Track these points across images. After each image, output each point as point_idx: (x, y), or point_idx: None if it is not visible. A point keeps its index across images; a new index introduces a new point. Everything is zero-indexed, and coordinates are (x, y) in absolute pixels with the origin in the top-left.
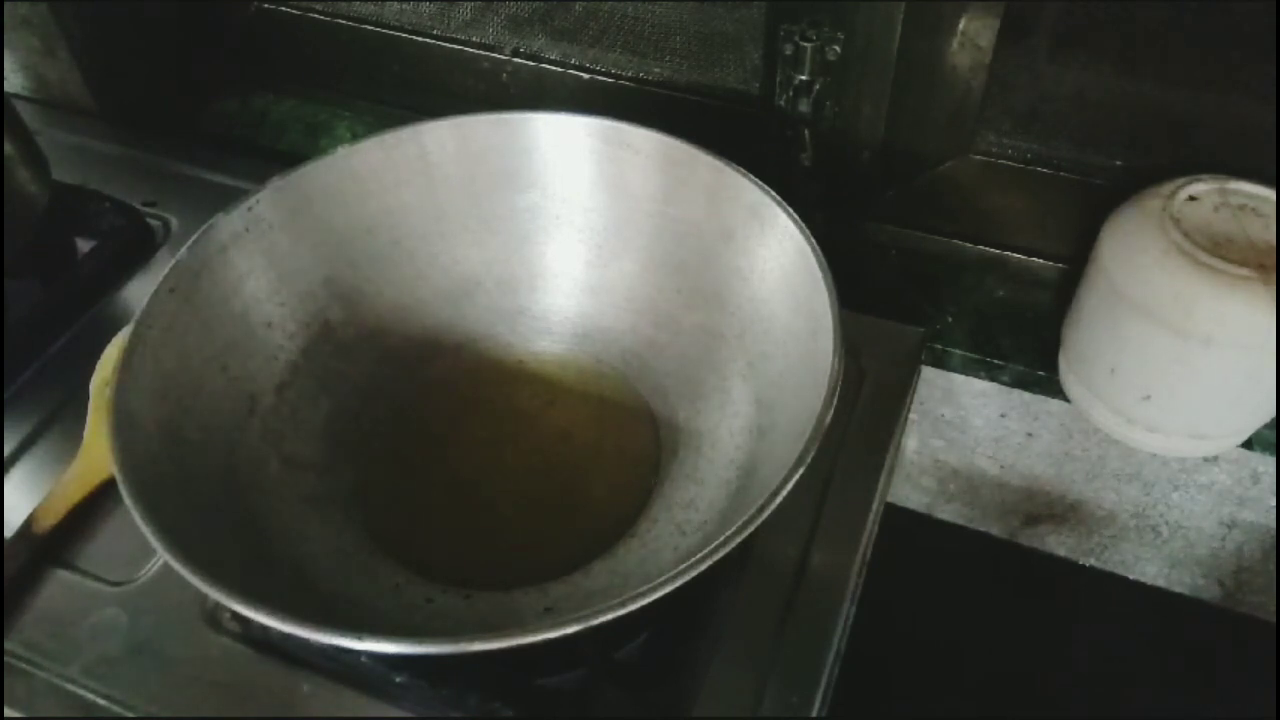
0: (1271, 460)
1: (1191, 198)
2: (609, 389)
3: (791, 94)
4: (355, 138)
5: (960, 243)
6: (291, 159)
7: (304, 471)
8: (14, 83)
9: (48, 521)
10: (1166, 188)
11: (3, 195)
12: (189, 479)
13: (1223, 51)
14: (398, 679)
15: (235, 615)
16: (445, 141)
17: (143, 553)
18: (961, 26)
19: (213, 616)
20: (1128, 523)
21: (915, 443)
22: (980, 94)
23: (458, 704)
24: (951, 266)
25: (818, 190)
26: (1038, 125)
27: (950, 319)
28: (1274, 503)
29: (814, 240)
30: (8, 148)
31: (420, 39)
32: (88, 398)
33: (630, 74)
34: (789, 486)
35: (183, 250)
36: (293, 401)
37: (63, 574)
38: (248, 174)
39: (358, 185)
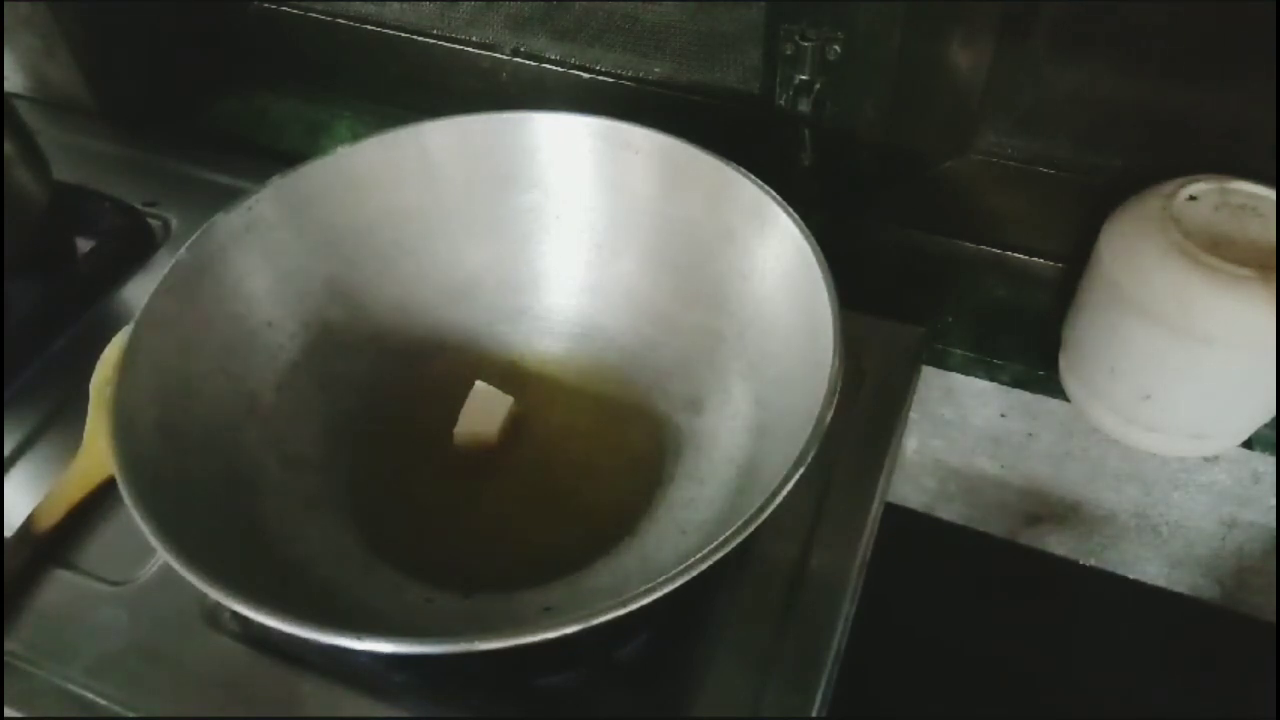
0: (1271, 460)
1: (1191, 198)
2: (609, 389)
3: (791, 94)
4: (355, 138)
5: (960, 243)
6: (291, 159)
7: (304, 471)
8: (14, 83)
9: (48, 521)
10: (1166, 188)
11: (3, 195)
12: (189, 479)
13: (1223, 51)
14: (398, 679)
15: (235, 615)
16: (445, 141)
17: (143, 553)
18: (961, 26)
19: (213, 616)
20: (1128, 523)
21: (915, 443)
22: (980, 94)
23: (458, 704)
24: (951, 266)
25: (818, 190)
26: (1038, 125)
27: (950, 319)
28: (1274, 503)
29: (814, 240)
30: (8, 148)
31: (420, 39)
32: (88, 398)
33: (630, 74)
34: (789, 486)
35: (183, 250)
36: (293, 401)
37: (63, 574)
38: (248, 174)
39: (358, 185)
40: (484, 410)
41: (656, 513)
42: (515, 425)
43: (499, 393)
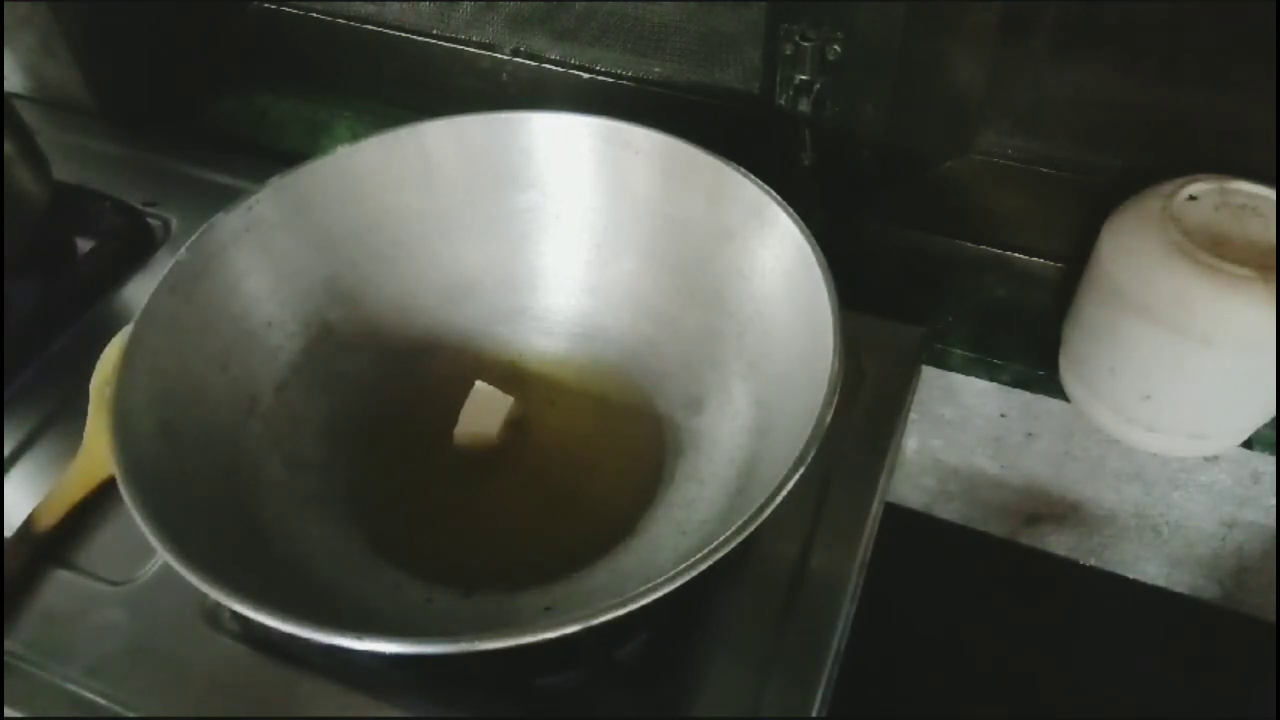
0: (1271, 460)
1: (1191, 198)
2: (609, 389)
3: (791, 94)
4: (355, 138)
5: (960, 243)
6: (291, 159)
7: (304, 471)
8: (14, 82)
9: (48, 521)
10: (1166, 188)
11: (3, 195)
12: (189, 479)
13: (1223, 51)
14: (398, 679)
15: (235, 615)
16: (445, 141)
17: (143, 553)
18: (961, 26)
19: (213, 616)
20: (1128, 523)
21: (915, 443)
22: (980, 94)
23: (458, 704)
24: (951, 266)
25: (818, 190)
26: (1038, 125)
27: (950, 319)
28: (1274, 503)
29: (814, 240)
30: (8, 148)
31: (420, 39)
32: (88, 398)
33: (630, 74)
34: (789, 486)
35: (183, 250)
36: (292, 401)
37: (63, 574)
38: (248, 174)
39: (358, 185)
40: (484, 410)
41: (656, 513)
42: (515, 425)
43: (499, 393)
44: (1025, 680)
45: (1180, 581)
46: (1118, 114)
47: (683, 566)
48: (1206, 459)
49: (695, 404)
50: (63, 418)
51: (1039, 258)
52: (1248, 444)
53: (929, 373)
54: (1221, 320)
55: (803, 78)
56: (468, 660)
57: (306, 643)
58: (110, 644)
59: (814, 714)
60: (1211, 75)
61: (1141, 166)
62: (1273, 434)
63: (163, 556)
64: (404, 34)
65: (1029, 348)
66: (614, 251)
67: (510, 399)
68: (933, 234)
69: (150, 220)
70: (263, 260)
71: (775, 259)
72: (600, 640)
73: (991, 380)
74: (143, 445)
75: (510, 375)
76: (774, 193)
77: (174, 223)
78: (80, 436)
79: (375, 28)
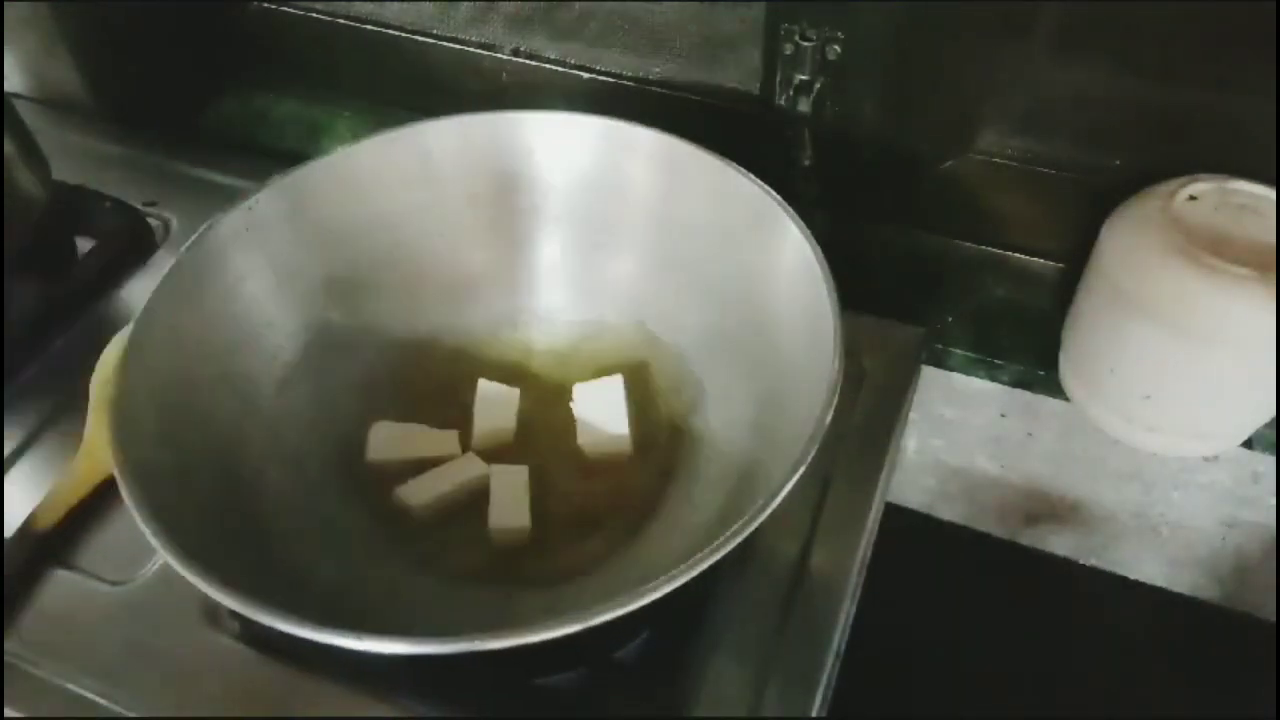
0: (1271, 460)
1: (1191, 198)
2: None
3: (791, 94)
4: (355, 138)
5: (960, 243)
6: (291, 159)
7: (304, 471)
8: (14, 83)
9: (48, 521)
10: (1166, 188)
11: (3, 195)
12: (189, 479)
13: (1223, 51)
14: (398, 679)
15: (235, 615)
16: (445, 141)
17: (143, 553)
18: (961, 26)
19: (213, 616)
20: (1128, 523)
21: (915, 443)
22: (980, 94)
23: (458, 704)
24: (951, 266)
25: (818, 190)
26: (1038, 125)
27: (950, 319)
28: (1274, 503)
29: (814, 240)
30: (8, 148)
31: (420, 39)
32: (88, 398)
33: (630, 74)
34: (789, 486)
35: (183, 250)
36: (293, 401)
37: (63, 574)
38: (248, 174)
39: (358, 185)
40: (495, 406)
41: (657, 513)
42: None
43: (504, 386)
44: (1025, 680)
45: (1180, 581)
46: (1118, 114)
47: (683, 566)
48: (1206, 459)
49: (695, 404)
50: (63, 418)
51: (1039, 258)
52: (1248, 444)
53: (929, 373)
54: (1221, 320)
55: (803, 78)
56: (468, 660)
57: (306, 642)
58: (110, 644)
59: (814, 714)
60: (1211, 75)
61: (1141, 166)
62: (1273, 434)
63: (163, 556)
64: (404, 34)
65: (1029, 348)
66: (614, 252)
67: (516, 390)
68: (933, 234)
69: (150, 220)
70: (263, 260)
71: (775, 259)
72: (600, 640)
73: (991, 380)
74: (143, 445)
75: (510, 376)
76: (774, 193)
77: (174, 223)
78: (80, 436)
79: (375, 28)
